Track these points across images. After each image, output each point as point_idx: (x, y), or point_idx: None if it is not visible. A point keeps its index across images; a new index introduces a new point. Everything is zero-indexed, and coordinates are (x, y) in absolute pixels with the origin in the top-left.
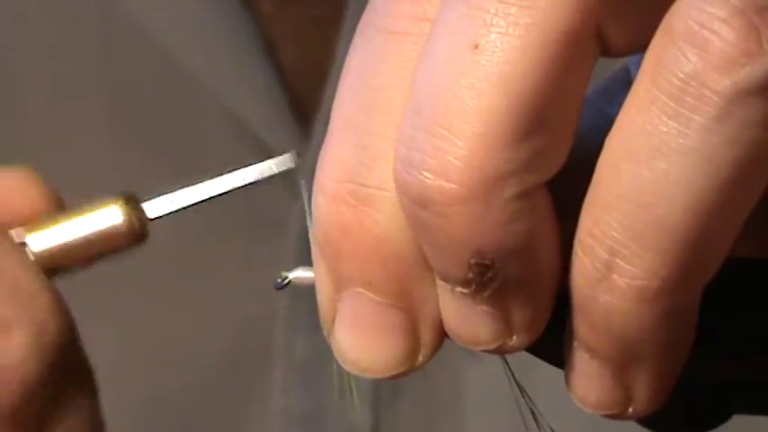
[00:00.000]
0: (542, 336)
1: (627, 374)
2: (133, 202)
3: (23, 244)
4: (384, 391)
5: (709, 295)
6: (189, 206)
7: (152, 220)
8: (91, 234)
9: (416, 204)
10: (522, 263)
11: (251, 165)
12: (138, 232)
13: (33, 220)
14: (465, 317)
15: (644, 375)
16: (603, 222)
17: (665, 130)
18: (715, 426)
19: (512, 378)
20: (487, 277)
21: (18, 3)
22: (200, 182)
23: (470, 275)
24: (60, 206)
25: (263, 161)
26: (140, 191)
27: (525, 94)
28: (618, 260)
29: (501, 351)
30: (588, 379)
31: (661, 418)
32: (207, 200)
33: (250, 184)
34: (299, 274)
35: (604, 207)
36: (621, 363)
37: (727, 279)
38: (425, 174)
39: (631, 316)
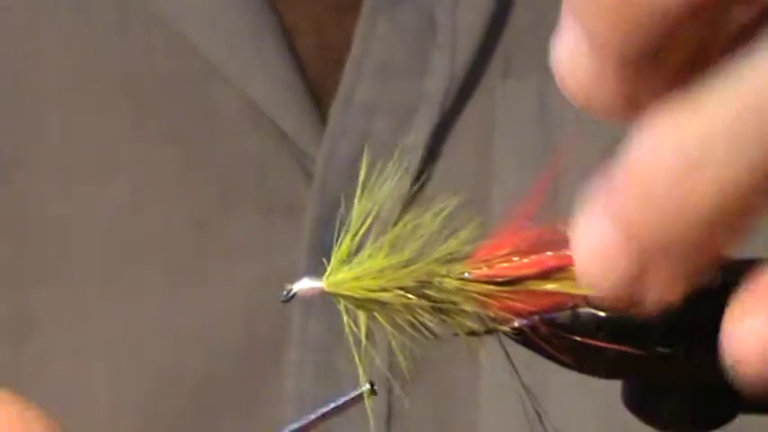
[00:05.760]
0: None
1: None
2: None
3: None
4: (397, 379)
5: (714, 294)
6: None
7: None
8: None
9: None
10: None
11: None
12: None
13: None
14: None
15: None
16: None
17: None
18: (720, 425)
19: (519, 378)
20: None
21: None
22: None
23: None
24: None
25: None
26: (157, 178)
27: None
28: None
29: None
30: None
31: (667, 417)
32: None
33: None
34: (303, 285)
35: None
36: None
37: (732, 278)
38: None
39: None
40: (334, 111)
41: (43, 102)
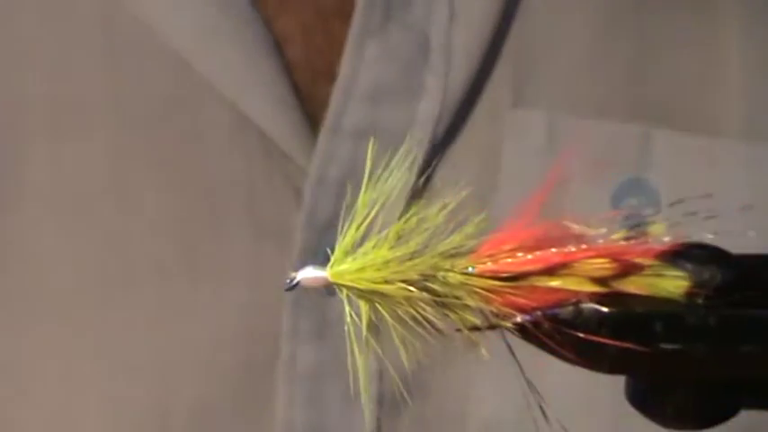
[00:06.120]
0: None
1: None
2: None
3: None
4: (386, 404)
5: (722, 292)
6: None
7: None
8: None
9: None
10: None
11: None
12: None
13: None
14: None
15: None
16: None
17: None
18: (723, 421)
19: (523, 375)
20: None
21: (15, 5)
22: None
23: None
24: None
25: None
26: (145, 204)
27: None
28: None
29: None
30: None
31: (671, 413)
32: None
33: None
34: (307, 274)
35: None
36: None
37: (740, 275)
38: None
39: None
40: (323, 136)
41: (29, 129)
